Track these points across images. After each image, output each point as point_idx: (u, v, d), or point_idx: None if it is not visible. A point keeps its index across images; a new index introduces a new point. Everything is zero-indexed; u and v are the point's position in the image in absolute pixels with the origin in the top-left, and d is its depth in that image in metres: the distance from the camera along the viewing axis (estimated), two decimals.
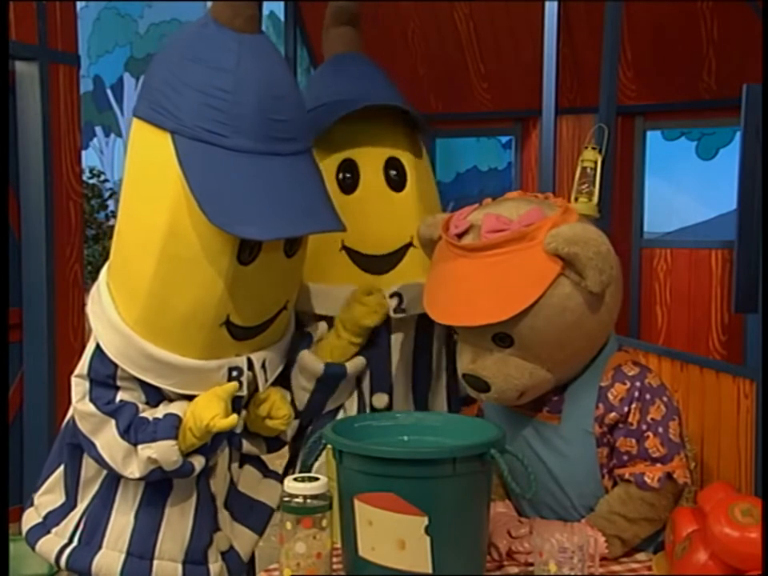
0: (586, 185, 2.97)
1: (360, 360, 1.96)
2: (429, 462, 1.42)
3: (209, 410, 1.64)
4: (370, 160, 1.99)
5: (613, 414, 1.61)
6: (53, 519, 1.86)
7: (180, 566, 1.77)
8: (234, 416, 1.66)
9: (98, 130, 8.13)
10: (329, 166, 1.98)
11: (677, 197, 4.92)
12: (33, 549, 1.87)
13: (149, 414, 1.71)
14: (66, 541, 1.81)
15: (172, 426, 1.66)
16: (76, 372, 1.76)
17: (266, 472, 1.99)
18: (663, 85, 4.33)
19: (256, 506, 1.93)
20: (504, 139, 5.28)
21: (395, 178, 2.00)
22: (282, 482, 1.86)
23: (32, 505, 1.93)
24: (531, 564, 1.50)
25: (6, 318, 3.28)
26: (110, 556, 1.76)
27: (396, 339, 2.01)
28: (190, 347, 1.69)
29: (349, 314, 1.91)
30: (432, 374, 2.07)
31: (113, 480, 1.78)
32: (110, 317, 1.72)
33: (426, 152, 2.14)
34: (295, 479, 1.47)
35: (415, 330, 2.03)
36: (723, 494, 1.55)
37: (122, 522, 1.77)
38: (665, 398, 1.63)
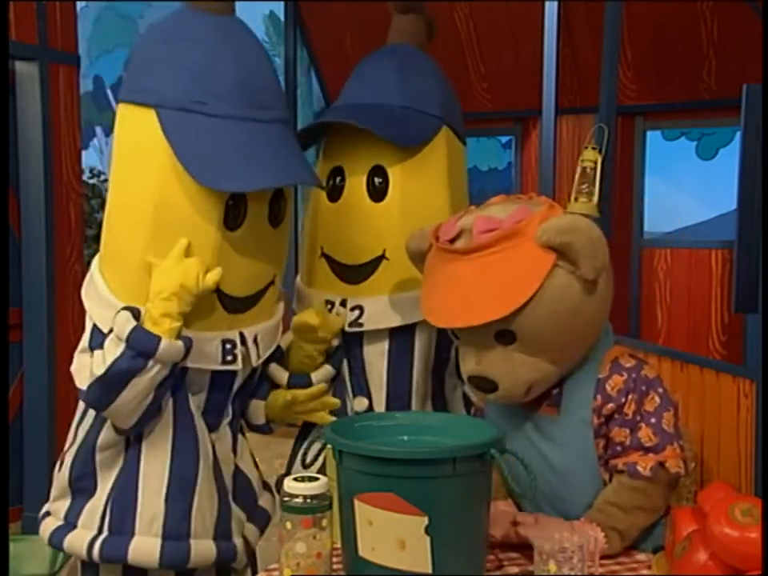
0: (586, 185, 2.97)
1: (326, 369, 1.98)
2: (429, 462, 1.42)
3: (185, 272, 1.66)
4: (356, 168, 1.99)
5: (610, 405, 1.63)
6: (74, 514, 1.80)
7: (213, 544, 1.76)
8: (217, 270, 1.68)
9: (98, 130, 8.14)
10: (323, 172, 2.02)
11: (677, 197, 4.93)
12: (61, 549, 1.81)
13: None
14: (94, 532, 1.76)
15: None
16: (78, 349, 1.77)
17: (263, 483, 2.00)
18: (663, 85, 4.33)
19: (259, 508, 1.94)
20: (504, 139, 5.29)
21: (378, 188, 1.98)
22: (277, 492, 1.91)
23: (48, 514, 1.87)
24: (530, 560, 1.50)
25: (6, 317, 3.28)
26: (147, 542, 1.72)
27: (368, 348, 2.02)
28: (186, 317, 1.71)
29: (293, 332, 1.95)
30: (413, 384, 2.05)
31: (133, 462, 1.75)
32: (103, 296, 1.75)
33: (442, 163, 2.05)
34: (295, 479, 1.47)
35: (389, 342, 2.02)
36: (723, 493, 1.55)
37: (152, 505, 1.73)
38: (660, 390, 1.65)
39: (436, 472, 1.41)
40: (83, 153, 3.96)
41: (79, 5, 4.02)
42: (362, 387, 2.03)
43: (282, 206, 1.80)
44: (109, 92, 8.13)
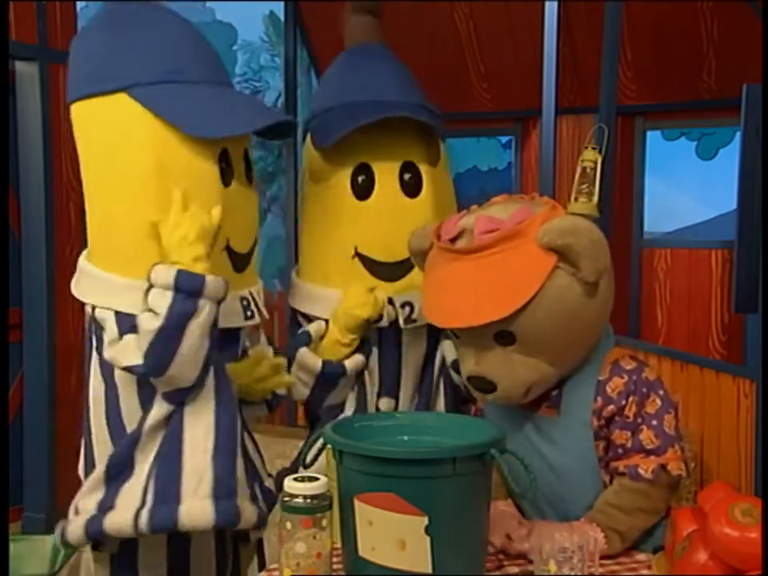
0: (586, 185, 2.97)
1: (359, 358, 1.97)
2: (429, 462, 1.42)
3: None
4: (386, 165, 1.98)
5: (611, 407, 1.63)
6: (109, 498, 1.73)
7: (252, 502, 1.76)
8: None
9: None
10: (343, 169, 1.98)
11: (677, 197, 4.92)
12: (100, 535, 1.71)
13: None
14: (138, 503, 1.69)
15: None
16: (107, 341, 1.72)
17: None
18: (663, 85, 4.33)
19: (265, 488, 1.93)
20: (504, 139, 5.29)
21: (410, 184, 1.99)
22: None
23: (76, 513, 1.78)
24: (530, 561, 1.50)
25: (6, 318, 3.29)
26: (197, 504, 1.68)
27: (407, 348, 2.02)
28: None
29: (342, 305, 1.92)
30: (434, 382, 2.06)
31: (175, 429, 1.71)
32: (114, 282, 1.74)
33: (446, 157, 2.11)
34: (295, 479, 1.47)
35: (426, 339, 2.03)
36: (723, 493, 1.55)
37: (198, 467, 1.69)
38: (660, 392, 1.65)
39: (436, 472, 1.41)
40: None
41: (79, 5, 4.02)
42: (391, 387, 2.01)
43: (250, 163, 1.86)
44: None
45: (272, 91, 6.10)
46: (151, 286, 1.64)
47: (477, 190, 5.36)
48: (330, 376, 1.94)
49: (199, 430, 1.71)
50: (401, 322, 1.96)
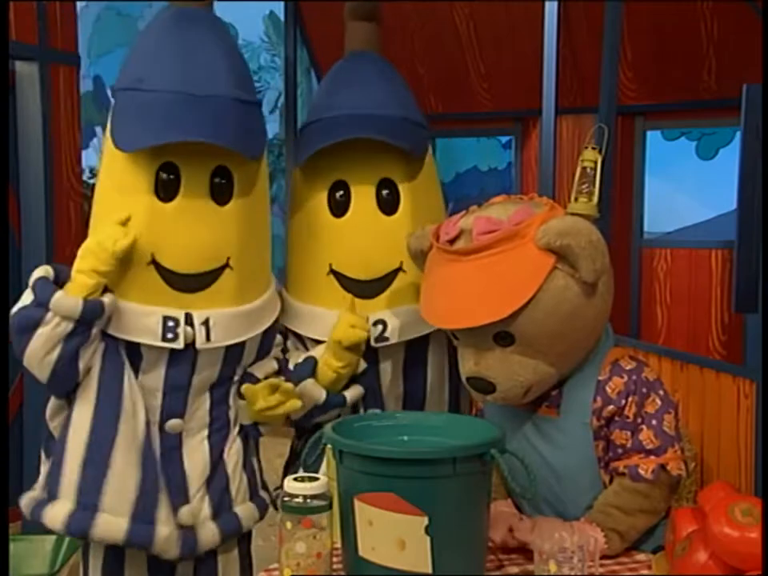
0: (586, 185, 2.97)
1: (358, 390, 1.98)
2: (429, 462, 1.42)
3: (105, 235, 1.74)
4: (362, 181, 1.96)
5: (611, 407, 1.63)
6: (52, 485, 1.81)
7: (125, 522, 1.75)
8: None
9: (98, 129, 8.13)
10: (320, 186, 1.97)
11: (677, 197, 4.92)
12: (40, 524, 1.82)
13: None
14: (42, 495, 1.81)
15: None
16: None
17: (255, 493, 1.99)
18: (663, 85, 4.33)
19: (257, 497, 1.96)
20: (504, 139, 5.29)
21: (388, 201, 1.97)
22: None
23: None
24: (531, 560, 1.49)
25: (6, 318, 3.28)
26: (60, 507, 1.76)
27: (384, 366, 2.01)
28: (125, 287, 1.77)
29: (331, 335, 1.92)
30: (426, 393, 2.05)
31: (63, 428, 1.81)
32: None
33: (430, 169, 2.08)
34: (295, 479, 1.47)
35: (405, 354, 2.01)
36: (723, 493, 1.55)
37: (72, 471, 1.76)
38: (660, 392, 1.65)
39: (436, 472, 1.41)
40: (83, 153, 3.95)
41: (79, 5, 4.02)
42: (376, 401, 2.01)
43: (226, 183, 1.81)
44: (109, 92, 8.12)
45: (272, 91, 6.11)
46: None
47: (477, 190, 5.36)
48: (330, 406, 1.95)
49: (77, 433, 1.78)
50: (371, 341, 1.94)
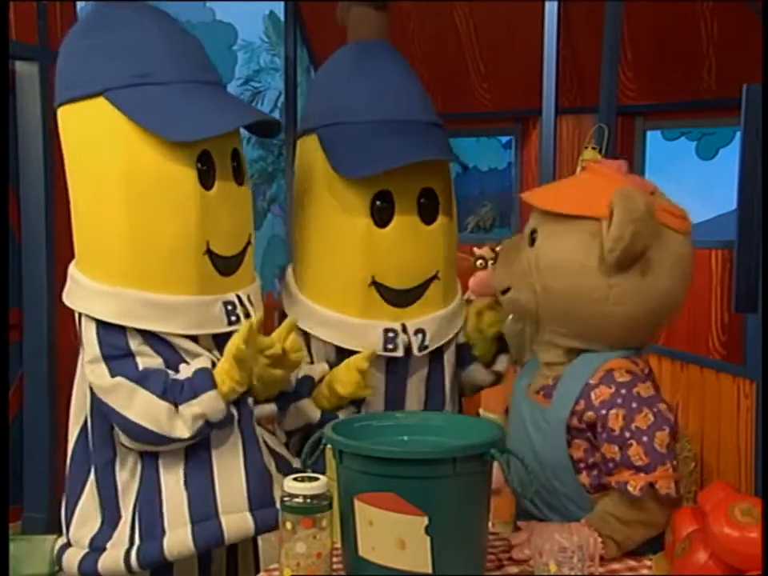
0: None
1: (353, 410, 1.97)
2: (429, 462, 1.42)
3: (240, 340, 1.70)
4: (406, 191, 1.94)
5: (590, 413, 1.61)
6: (102, 539, 1.78)
7: (249, 515, 1.75)
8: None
9: None
10: (362, 196, 1.92)
11: (677, 197, 4.92)
12: (95, 574, 1.77)
13: (177, 377, 1.73)
14: (127, 545, 1.75)
15: (208, 378, 1.70)
16: (87, 359, 1.75)
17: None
18: (663, 85, 4.33)
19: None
20: (504, 139, 5.29)
21: (428, 210, 1.97)
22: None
23: (69, 545, 1.84)
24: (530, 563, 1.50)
25: (6, 318, 3.28)
26: (178, 534, 1.72)
27: (412, 373, 2.01)
28: (183, 283, 1.74)
29: (337, 387, 1.92)
30: (445, 403, 2.06)
31: (152, 470, 1.75)
32: (94, 289, 1.77)
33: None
34: (295, 479, 1.47)
35: (429, 362, 2.02)
36: (723, 493, 1.55)
37: (175, 496, 1.74)
38: (655, 409, 1.60)
39: (436, 472, 1.41)
40: None
41: (79, 5, 4.02)
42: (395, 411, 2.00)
43: (240, 162, 1.85)
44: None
45: (272, 91, 6.11)
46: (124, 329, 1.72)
47: (477, 190, 5.37)
48: (323, 425, 1.94)
49: (172, 460, 1.76)
50: (415, 350, 1.95)
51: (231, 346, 1.70)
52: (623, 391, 1.60)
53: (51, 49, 3.67)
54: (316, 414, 1.94)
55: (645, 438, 1.58)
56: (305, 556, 1.44)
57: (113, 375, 1.70)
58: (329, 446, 1.53)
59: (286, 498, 1.45)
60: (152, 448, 1.73)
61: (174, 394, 1.69)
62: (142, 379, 1.69)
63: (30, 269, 3.71)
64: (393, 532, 1.41)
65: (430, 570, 1.41)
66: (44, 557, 2.90)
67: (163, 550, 1.72)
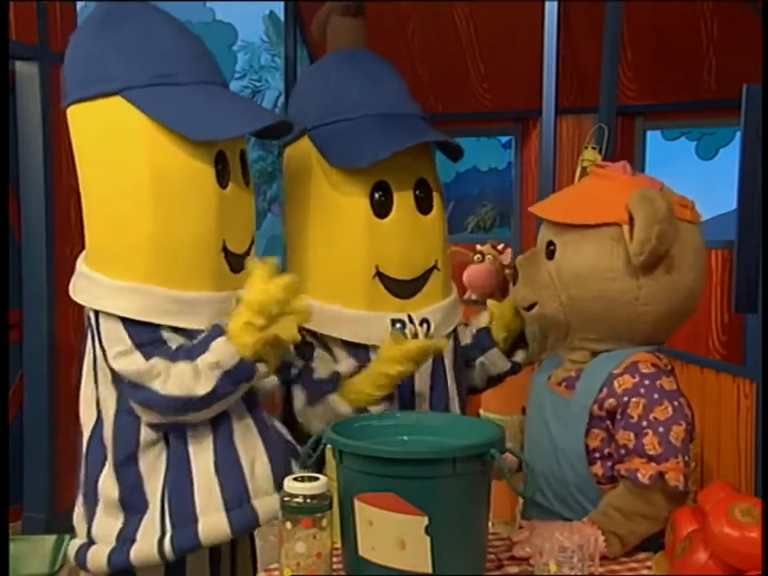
0: None
1: (384, 405, 1.95)
2: (429, 462, 1.42)
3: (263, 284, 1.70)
4: (403, 182, 1.96)
5: (612, 401, 1.63)
6: (130, 531, 1.76)
7: (277, 496, 1.71)
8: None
9: None
10: (361, 187, 1.93)
11: None
12: (125, 566, 1.74)
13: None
14: (159, 533, 1.74)
15: (216, 328, 1.72)
16: (116, 352, 1.73)
17: None
18: (663, 85, 4.33)
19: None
20: (504, 139, 5.30)
21: (423, 200, 2.00)
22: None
23: (90, 544, 1.81)
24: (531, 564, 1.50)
25: (6, 317, 3.28)
26: (213, 520, 1.72)
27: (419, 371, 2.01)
28: (204, 280, 1.76)
29: (377, 365, 1.90)
30: (448, 394, 2.06)
31: (181, 457, 1.75)
32: (116, 286, 1.74)
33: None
34: (295, 479, 1.47)
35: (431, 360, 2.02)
36: (723, 493, 1.55)
37: (206, 482, 1.74)
38: (675, 403, 1.62)
39: (436, 472, 1.41)
40: None
41: (79, 5, 4.02)
42: (405, 404, 1.99)
43: (246, 163, 1.88)
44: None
45: (272, 91, 6.11)
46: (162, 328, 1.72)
47: (477, 190, 5.37)
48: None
49: (201, 447, 1.76)
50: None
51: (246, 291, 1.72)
52: (647, 382, 1.63)
53: (51, 49, 3.68)
54: (348, 411, 1.91)
55: (661, 429, 1.60)
56: (305, 556, 1.44)
57: (148, 359, 1.71)
58: (329, 445, 1.53)
59: (285, 498, 1.45)
60: (187, 417, 1.73)
61: (193, 354, 1.71)
62: (175, 355, 1.72)
63: (30, 269, 3.71)
64: (393, 532, 1.41)
65: (429, 570, 1.41)
66: (44, 557, 2.90)
67: (198, 536, 1.72)
